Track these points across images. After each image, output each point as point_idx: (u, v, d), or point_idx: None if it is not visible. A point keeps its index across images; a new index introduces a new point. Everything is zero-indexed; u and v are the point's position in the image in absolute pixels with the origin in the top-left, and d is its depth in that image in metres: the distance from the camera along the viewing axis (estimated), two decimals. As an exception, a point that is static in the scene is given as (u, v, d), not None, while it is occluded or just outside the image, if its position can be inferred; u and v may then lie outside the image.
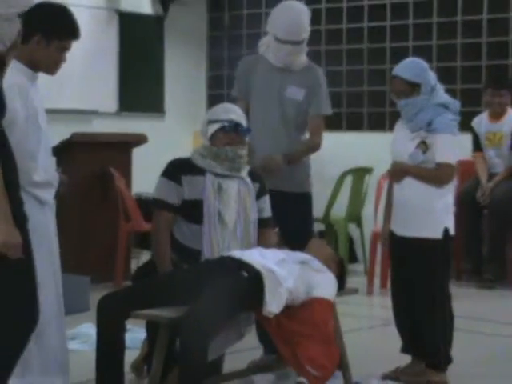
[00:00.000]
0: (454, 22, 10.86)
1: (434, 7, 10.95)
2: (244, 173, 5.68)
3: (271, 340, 5.50)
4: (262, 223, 5.79)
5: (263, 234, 5.80)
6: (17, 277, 4.56)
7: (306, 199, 6.69)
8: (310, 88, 6.48)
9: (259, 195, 5.77)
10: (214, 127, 5.61)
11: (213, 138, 5.64)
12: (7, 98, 4.71)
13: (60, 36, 5.12)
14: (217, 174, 5.57)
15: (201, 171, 5.59)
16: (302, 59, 6.56)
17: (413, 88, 6.15)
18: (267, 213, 5.84)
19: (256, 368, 6.01)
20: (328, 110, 6.64)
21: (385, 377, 6.21)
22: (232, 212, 5.57)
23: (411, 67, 6.27)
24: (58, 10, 5.19)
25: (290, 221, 6.36)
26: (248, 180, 5.69)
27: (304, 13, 6.57)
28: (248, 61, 6.73)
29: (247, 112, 6.47)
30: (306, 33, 6.49)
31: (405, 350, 6.31)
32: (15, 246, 4.37)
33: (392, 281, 6.45)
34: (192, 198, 5.53)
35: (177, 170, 5.67)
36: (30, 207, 4.98)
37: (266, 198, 5.83)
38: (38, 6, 5.06)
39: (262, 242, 5.75)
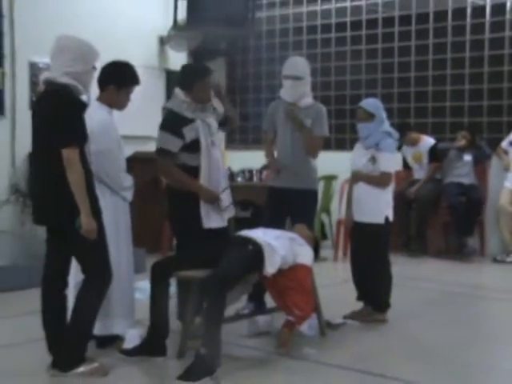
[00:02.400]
0: (392, 77, 10.82)
1: (378, 67, 10.92)
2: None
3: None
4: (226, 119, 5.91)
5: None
6: (95, 252, 4.59)
7: (314, 195, 6.59)
8: (315, 118, 6.39)
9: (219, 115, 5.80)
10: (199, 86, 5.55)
11: (198, 94, 5.54)
12: (105, 133, 4.83)
13: (126, 85, 5.15)
14: (202, 119, 5.55)
15: (192, 120, 5.50)
16: (308, 100, 6.47)
17: (370, 117, 6.19)
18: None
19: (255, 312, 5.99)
20: (326, 132, 6.56)
21: (345, 317, 6.19)
22: (218, 137, 5.69)
23: (371, 103, 6.35)
24: (124, 66, 5.22)
25: (300, 214, 6.33)
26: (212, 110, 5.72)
27: (302, 60, 6.59)
28: (273, 105, 6.62)
29: (272, 139, 6.54)
30: (302, 73, 6.40)
31: (359, 298, 6.32)
32: (92, 232, 4.42)
33: (351, 252, 6.44)
34: (192, 139, 5.47)
35: (178, 125, 5.49)
36: (117, 204, 5.15)
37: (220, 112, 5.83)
38: (110, 64, 5.11)
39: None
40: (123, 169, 5.17)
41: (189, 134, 5.43)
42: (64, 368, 4.60)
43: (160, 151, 5.52)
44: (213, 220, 5.56)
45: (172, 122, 5.53)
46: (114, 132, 5.06)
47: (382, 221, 6.11)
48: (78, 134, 4.48)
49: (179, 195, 5.53)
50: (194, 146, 5.45)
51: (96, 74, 4.89)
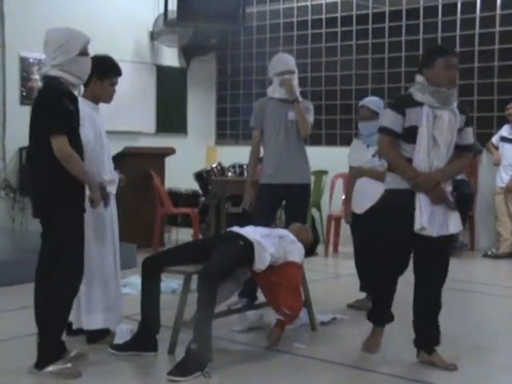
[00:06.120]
0: (382, 73, 10.85)
1: (368, 62, 10.95)
2: (454, 105, 4.79)
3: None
4: (465, 148, 4.90)
5: (460, 156, 4.90)
6: (70, 246, 4.55)
7: (309, 189, 6.64)
8: (298, 108, 6.35)
9: (465, 125, 4.85)
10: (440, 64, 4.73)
11: (435, 75, 4.73)
12: (83, 126, 4.74)
13: (108, 75, 5.14)
14: (432, 106, 4.71)
15: (419, 103, 4.72)
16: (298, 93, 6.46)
17: (374, 115, 6.27)
18: (469, 140, 4.92)
19: (247, 307, 5.98)
20: (312, 121, 6.49)
21: (348, 305, 6.37)
22: (444, 136, 4.73)
23: (375, 101, 6.44)
24: (104, 58, 5.21)
25: (299, 207, 6.38)
26: (457, 111, 4.78)
27: (290, 56, 6.60)
28: (260, 102, 6.53)
29: (262, 138, 6.48)
30: (294, 67, 6.42)
31: (362, 289, 6.48)
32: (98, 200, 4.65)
33: (355, 244, 6.54)
34: (412, 124, 4.71)
35: (403, 103, 4.79)
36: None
37: (470, 129, 4.91)
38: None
39: (456, 160, 4.89)
40: (104, 163, 5.10)
41: (409, 115, 4.74)
42: (37, 366, 4.52)
43: (382, 129, 4.91)
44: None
45: (398, 100, 4.99)
46: (93, 126, 5.02)
47: None
48: (61, 123, 4.39)
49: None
50: (411, 134, 4.73)
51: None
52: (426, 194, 4.66)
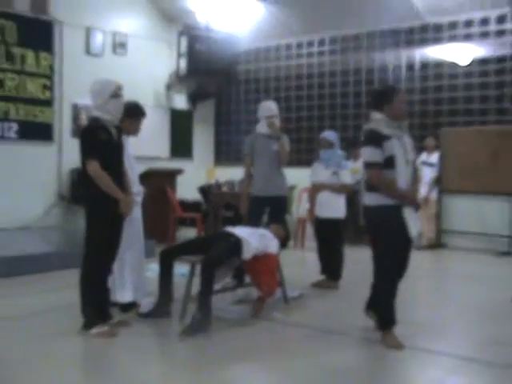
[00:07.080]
0: (347, 113, 10.85)
1: (337, 106, 10.96)
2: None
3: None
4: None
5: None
6: (111, 243, 4.61)
7: (286, 199, 6.60)
8: (281, 143, 6.36)
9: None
10: (398, 100, 4.47)
11: (393, 112, 4.44)
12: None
13: (138, 116, 5.18)
14: (398, 136, 4.42)
15: (388, 136, 4.36)
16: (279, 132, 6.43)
17: (330, 145, 6.43)
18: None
19: (237, 285, 5.98)
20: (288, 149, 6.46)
21: (313, 284, 6.40)
22: (411, 158, 4.48)
23: (331, 135, 6.55)
24: (135, 104, 5.23)
25: (279, 213, 6.38)
26: (408, 134, 4.58)
27: (274, 103, 6.55)
28: (251, 137, 6.50)
29: (252, 163, 6.47)
30: (277, 111, 6.43)
31: (322, 272, 6.52)
32: (129, 209, 4.64)
33: (318, 239, 6.58)
34: (388, 155, 4.36)
35: (379, 139, 4.37)
36: None
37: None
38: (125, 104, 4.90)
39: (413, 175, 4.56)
40: (134, 180, 5.10)
41: (387, 148, 4.38)
42: (84, 327, 4.59)
43: (369, 164, 4.43)
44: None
45: (372, 136, 4.41)
46: (126, 153, 4.98)
47: (343, 216, 6.45)
48: (93, 151, 4.44)
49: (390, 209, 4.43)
50: (390, 162, 4.39)
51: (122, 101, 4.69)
52: (409, 206, 4.40)
